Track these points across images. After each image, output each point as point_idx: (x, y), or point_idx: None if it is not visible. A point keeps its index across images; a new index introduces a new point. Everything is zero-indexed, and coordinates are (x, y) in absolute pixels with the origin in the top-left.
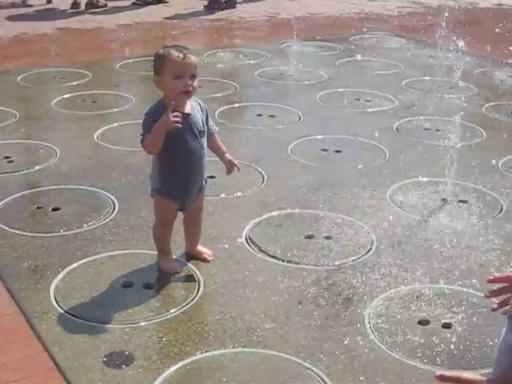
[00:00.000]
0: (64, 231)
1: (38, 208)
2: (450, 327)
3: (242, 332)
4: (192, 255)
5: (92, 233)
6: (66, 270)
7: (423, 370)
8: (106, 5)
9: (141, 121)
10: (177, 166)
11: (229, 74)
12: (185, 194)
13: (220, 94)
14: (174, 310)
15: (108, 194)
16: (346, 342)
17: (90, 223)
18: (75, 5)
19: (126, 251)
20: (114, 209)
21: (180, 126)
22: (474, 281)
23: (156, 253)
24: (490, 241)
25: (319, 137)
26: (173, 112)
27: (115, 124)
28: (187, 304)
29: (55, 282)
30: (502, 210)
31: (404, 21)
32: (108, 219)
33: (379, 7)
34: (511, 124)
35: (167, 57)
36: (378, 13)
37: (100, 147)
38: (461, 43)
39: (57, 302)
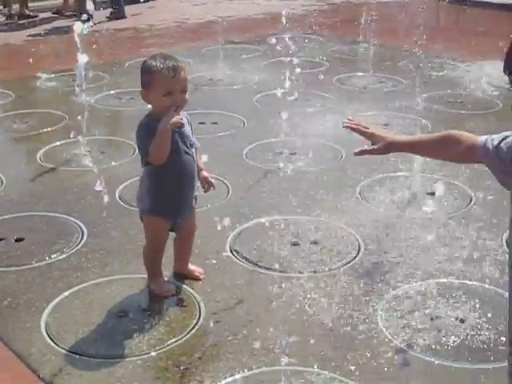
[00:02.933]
0: (36, 262)
1: (0, 240)
2: (463, 322)
3: (261, 350)
4: (182, 275)
5: (67, 261)
6: (52, 304)
7: (447, 367)
8: (36, 16)
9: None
10: (170, 182)
11: None
12: (178, 212)
13: None
14: (181, 335)
15: (71, 219)
16: (368, 347)
17: (62, 251)
18: (10, 17)
19: (110, 278)
20: (82, 234)
21: (184, 123)
22: (472, 271)
23: (144, 276)
24: (472, 230)
25: (270, 140)
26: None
27: (58, 143)
28: (194, 327)
29: (44, 318)
30: (471, 199)
31: (313, 19)
32: (80, 245)
33: (285, 7)
34: (452, 113)
35: (156, 73)
36: (285, 12)
37: (47, 169)
38: (377, 37)
39: (52, 340)
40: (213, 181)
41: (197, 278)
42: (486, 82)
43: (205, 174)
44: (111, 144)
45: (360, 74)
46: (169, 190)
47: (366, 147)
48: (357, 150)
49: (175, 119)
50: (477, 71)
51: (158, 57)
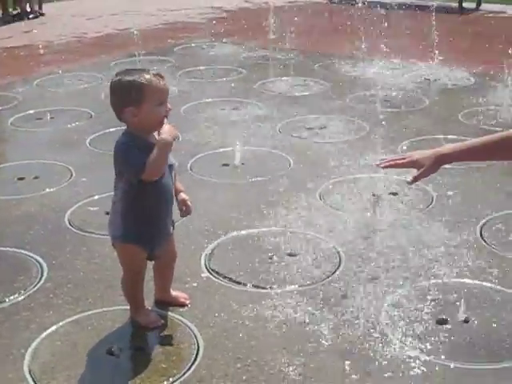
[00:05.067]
0: (0, 304)
1: None
2: (467, 321)
3: (277, 376)
4: (165, 302)
5: (34, 300)
6: (31, 349)
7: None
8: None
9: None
10: (148, 206)
11: (79, 101)
12: (154, 239)
13: (78, 123)
14: (186, 368)
15: (25, 252)
16: (382, 358)
17: (25, 289)
18: None
19: (87, 313)
20: (41, 268)
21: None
22: (456, 269)
23: (123, 308)
24: (444, 226)
25: (213, 151)
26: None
27: None
28: (196, 358)
29: (26, 365)
30: (432, 198)
31: (214, 27)
32: (42, 281)
33: (182, 16)
34: (383, 112)
35: (149, 84)
36: (183, 21)
37: None
38: (285, 42)
39: None
40: (189, 204)
41: (182, 304)
42: (406, 79)
43: (183, 196)
44: (43, 168)
45: (280, 78)
46: (146, 214)
47: (415, 174)
48: (409, 179)
49: (174, 130)
50: (392, 70)
51: (135, 72)
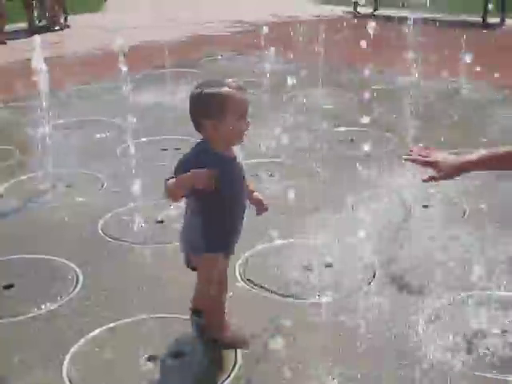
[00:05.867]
0: (37, 310)
1: None
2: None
3: None
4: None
5: (70, 307)
6: (70, 355)
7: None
8: None
9: None
10: (232, 214)
11: (107, 112)
12: (232, 245)
13: (108, 134)
14: (225, 376)
15: (59, 259)
16: (423, 369)
17: (61, 296)
18: None
19: (124, 320)
20: (77, 275)
21: (212, 188)
22: (494, 280)
23: (160, 316)
24: (477, 240)
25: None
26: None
27: (18, 179)
28: (234, 366)
29: (65, 373)
30: (465, 211)
31: (239, 40)
32: (78, 288)
33: (206, 29)
34: (409, 125)
35: (232, 97)
36: (208, 34)
37: (13, 207)
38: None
39: None
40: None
41: None
42: (435, 93)
43: (258, 196)
44: (74, 177)
45: (308, 90)
46: (230, 222)
47: (434, 175)
48: (426, 177)
49: (206, 179)
50: (420, 83)
51: (217, 83)
